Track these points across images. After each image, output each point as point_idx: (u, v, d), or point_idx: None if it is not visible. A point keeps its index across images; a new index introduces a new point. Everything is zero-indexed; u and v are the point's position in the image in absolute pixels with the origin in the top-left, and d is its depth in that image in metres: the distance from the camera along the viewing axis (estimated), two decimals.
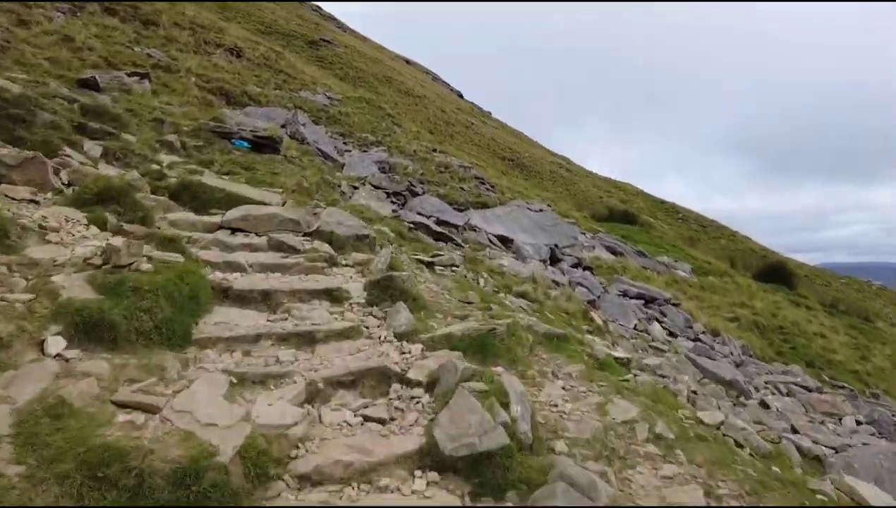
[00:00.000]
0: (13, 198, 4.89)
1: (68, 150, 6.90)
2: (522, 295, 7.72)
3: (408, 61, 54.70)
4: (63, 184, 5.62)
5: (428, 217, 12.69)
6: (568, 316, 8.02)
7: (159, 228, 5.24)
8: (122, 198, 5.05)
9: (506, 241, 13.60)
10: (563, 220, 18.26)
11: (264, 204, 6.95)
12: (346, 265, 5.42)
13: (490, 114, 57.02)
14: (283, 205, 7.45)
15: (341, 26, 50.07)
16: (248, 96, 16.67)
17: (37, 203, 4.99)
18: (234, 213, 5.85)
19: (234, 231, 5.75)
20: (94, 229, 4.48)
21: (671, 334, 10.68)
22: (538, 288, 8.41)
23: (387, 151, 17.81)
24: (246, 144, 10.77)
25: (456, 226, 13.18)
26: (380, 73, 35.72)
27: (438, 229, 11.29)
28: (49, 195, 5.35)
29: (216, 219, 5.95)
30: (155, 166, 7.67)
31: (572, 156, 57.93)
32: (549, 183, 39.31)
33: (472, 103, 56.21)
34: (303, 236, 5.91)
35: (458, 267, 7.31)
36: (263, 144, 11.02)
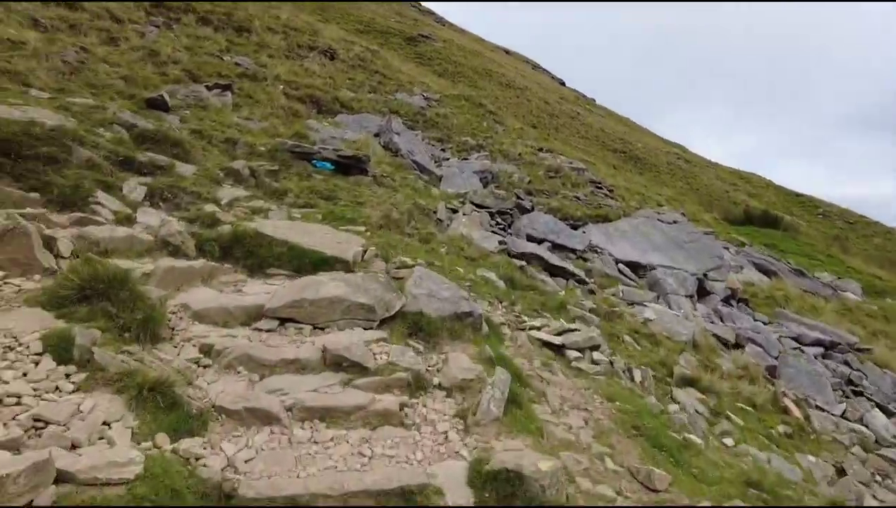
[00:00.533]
0: None
1: (101, 196, 5.55)
2: (691, 384, 5.40)
3: (507, 52, 52.26)
4: (62, 257, 4.13)
5: (540, 242, 10.54)
6: (756, 411, 5.59)
7: (172, 334, 3.58)
8: (116, 292, 3.42)
9: (637, 268, 11.11)
10: (700, 230, 15.21)
11: (338, 260, 5.21)
12: (440, 387, 3.46)
13: (594, 101, 53.15)
14: (364, 253, 5.69)
15: (440, 20, 48.63)
16: (339, 103, 15.33)
17: None
18: (283, 296, 4.10)
19: (282, 321, 4.00)
20: (47, 362, 2.85)
21: (883, 409, 7.78)
22: (708, 365, 6.01)
23: (489, 157, 15.80)
24: (329, 166, 9.19)
25: (574, 251, 10.93)
26: (479, 66, 33.74)
27: (555, 262, 9.11)
28: (37, 277, 3.88)
29: (263, 297, 4.23)
30: (209, 208, 6.19)
31: (679, 141, 52.63)
32: (668, 176, 35.52)
33: (575, 91, 52.64)
34: (377, 327, 4.04)
35: (599, 348, 5.12)
36: (349, 165, 9.40)
